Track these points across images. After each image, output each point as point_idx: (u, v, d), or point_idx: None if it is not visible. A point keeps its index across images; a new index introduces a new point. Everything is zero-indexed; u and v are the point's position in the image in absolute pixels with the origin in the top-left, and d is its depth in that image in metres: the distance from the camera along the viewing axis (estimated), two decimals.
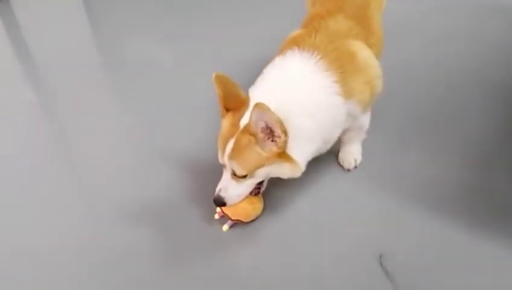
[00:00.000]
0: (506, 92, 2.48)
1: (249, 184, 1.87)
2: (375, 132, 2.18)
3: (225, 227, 1.96)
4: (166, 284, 1.83)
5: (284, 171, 1.82)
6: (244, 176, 1.81)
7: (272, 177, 1.92)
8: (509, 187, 2.02)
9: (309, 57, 1.83)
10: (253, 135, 1.72)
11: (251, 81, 1.89)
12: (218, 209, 1.96)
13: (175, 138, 2.42)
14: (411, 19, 3.01)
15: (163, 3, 3.60)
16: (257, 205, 1.97)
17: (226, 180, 1.86)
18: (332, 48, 1.85)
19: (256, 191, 1.94)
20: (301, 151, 1.80)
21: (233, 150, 1.76)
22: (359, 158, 2.17)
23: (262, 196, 2.00)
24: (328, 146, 1.96)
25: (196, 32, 3.21)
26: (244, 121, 1.76)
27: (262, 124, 1.68)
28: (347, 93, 1.83)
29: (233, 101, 1.81)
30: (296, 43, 1.89)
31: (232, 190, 1.85)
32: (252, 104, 1.72)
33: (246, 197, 1.90)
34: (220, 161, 1.85)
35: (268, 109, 1.63)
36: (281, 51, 1.94)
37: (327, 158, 2.07)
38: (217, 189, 1.87)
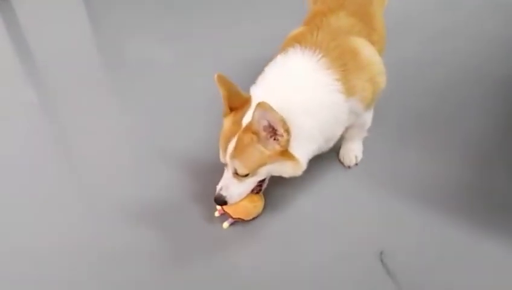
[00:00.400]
0: (506, 89, 2.47)
1: (250, 183, 1.87)
2: (375, 130, 2.17)
3: (225, 224, 1.96)
4: (166, 284, 1.83)
5: (285, 169, 1.82)
6: (246, 175, 1.81)
7: (272, 176, 1.91)
8: (510, 185, 2.01)
9: (311, 54, 1.83)
10: (256, 133, 1.72)
11: (251, 81, 1.89)
12: (218, 207, 1.96)
13: (175, 138, 2.42)
14: (410, 17, 3.01)
15: (163, 3, 3.60)
16: (258, 203, 1.96)
17: (227, 178, 1.86)
18: (334, 45, 1.85)
19: (257, 189, 1.94)
20: (303, 150, 1.80)
21: (235, 148, 1.76)
22: (360, 155, 2.17)
23: (263, 194, 1.99)
24: (330, 144, 1.96)
25: (196, 32, 3.21)
26: (246, 119, 1.76)
27: (264, 123, 1.68)
28: (349, 91, 1.83)
29: (236, 101, 1.81)
30: (297, 40, 1.89)
31: (234, 188, 1.85)
32: (254, 103, 1.73)
33: (247, 195, 1.90)
34: (222, 159, 1.85)
35: (271, 108, 1.63)
36: (282, 48, 1.94)
37: (328, 156, 2.07)
38: (218, 187, 1.87)
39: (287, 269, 1.83)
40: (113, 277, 1.87)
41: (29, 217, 2.13)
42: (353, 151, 2.16)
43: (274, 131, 1.71)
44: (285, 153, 1.76)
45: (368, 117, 2.08)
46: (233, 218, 1.94)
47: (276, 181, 1.97)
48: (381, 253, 1.81)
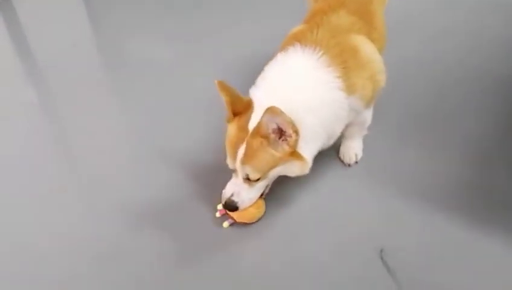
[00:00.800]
0: (506, 87, 2.47)
1: (260, 187, 1.87)
2: (375, 128, 2.17)
3: (225, 224, 1.96)
4: (166, 284, 1.83)
5: (293, 169, 1.83)
6: (257, 179, 1.80)
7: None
8: (509, 183, 2.01)
9: (311, 52, 1.82)
10: (265, 137, 1.72)
11: (251, 81, 1.89)
12: (219, 207, 1.96)
13: (175, 138, 2.42)
14: (410, 16, 3.00)
15: (163, 3, 3.60)
16: (261, 207, 1.97)
17: (237, 184, 1.84)
18: (334, 43, 1.84)
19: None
20: (308, 148, 1.81)
21: (245, 154, 1.75)
22: (360, 153, 2.17)
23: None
24: (332, 141, 1.96)
25: (196, 32, 3.21)
26: (252, 124, 1.76)
27: (273, 126, 1.68)
28: (349, 89, 1.83)
29: (239, 105, 1.80)
30: (297, 39, 1.89)
31: (245, 194, 1.84)
32: (256, 106, 1.74)
33: None
34: (231, 166, 1.84)
35: (281, 113, 1.63)
36: (282, 47, 1.94)
37: (328, 154, 2.07)
38: (228, 193, 1.85)
39: (287, 267, 1.83)
40: (113, 276, 1.87)
41: (29, 217, 2.13)
42: (353, 149, 2.16)
43: (281, 132, 1.71)
44: (294, 154, 1.77)
45: (368, 115, 2.08)
46: (237, 222, 1.94)
47: (275, 180, 1.97)
48: (381, 251, 1.81)
